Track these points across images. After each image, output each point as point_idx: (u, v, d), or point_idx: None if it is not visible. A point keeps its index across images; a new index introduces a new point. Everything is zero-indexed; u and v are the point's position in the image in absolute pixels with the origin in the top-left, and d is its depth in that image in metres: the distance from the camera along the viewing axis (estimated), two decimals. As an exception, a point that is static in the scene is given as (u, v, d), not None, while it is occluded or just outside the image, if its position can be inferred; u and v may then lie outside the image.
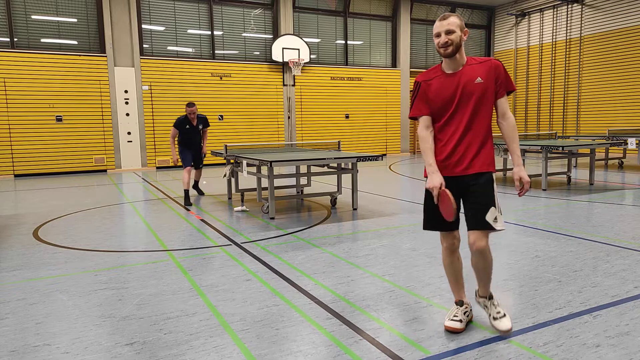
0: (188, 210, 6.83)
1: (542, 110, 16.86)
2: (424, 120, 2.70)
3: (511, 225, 5.46)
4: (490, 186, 2.63)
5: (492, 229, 2.58)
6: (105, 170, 12.61)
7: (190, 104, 7.41)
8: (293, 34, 14.37)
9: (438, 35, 2.58)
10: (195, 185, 8.17)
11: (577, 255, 4.20)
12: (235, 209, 6.75)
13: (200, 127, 7.61)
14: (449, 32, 2.55)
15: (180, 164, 7.38)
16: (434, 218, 2.74)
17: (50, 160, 12.01)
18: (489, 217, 2.58)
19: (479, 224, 2.60)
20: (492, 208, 2.58)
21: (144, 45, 12.94)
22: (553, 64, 16.35)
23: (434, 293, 3.36)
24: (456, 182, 2.66)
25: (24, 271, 4.07)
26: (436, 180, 2.60)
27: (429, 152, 2.67)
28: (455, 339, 2.63)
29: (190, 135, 7.50)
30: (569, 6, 15.63)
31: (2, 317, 3.09)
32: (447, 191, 2.56)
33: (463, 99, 2.58)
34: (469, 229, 2.66)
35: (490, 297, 2.81)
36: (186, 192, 7.30)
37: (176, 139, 7.54)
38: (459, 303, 2.83)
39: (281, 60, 14.11)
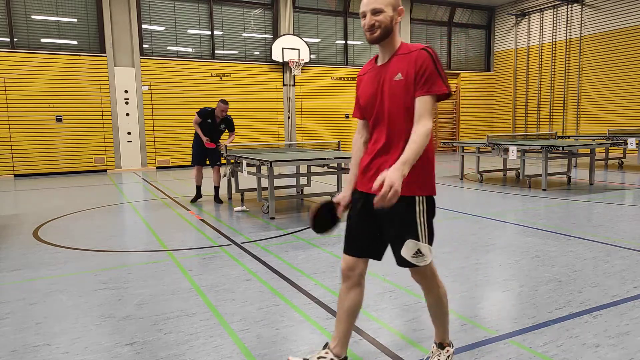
0: (194, 204, 6.84)
1: (542, 110, 16.86)
2: (358, 124, 2.32)
3: (511, 225, 5.46)
4: (409, 213, 2.06)
5: (413, 265, 2.07)
6: (105, 170, 12.61)
7: (224, 102, 7.22)
8: (293, 34, 14.37)
9: (363, 15, 2.07)
10: (216, 192, 7.50)
11: (577, 255, 4.20)
12: (235, 209, 6.75)
13: (222, 127, 7.39)
14: (375, 12, 2.02)
15: (208, 142, 7.32)
16: (347, 238, 2.27)
17: (50, 160, 12.01)
18: (406, 253, 2.04)
19: (399, 260, 2.11)
20: (410, 241, 2.04)
21: (144, 45, 12.94)
22: (553, 64, 16.35)
23: (434, 293, 3.36)
24: (370, 201, 2.06)
25: (24, 271, 4.07)
26: (341, 194, 2.26)
27: (352, 162, 2.32)
28: (456, 339, 2.63)
29: (208, 130, 7.31)
30: (569, 6, 15.63)
31: (2, 317, 3.09)
32: (327, 205, 2.20)
33: (384, 100, 2.09)
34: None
35: (441, 347, 2.34)
36: (197, 187, 7.47)
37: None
38: (325, 345, 2.36)
39: (281, 60, 14.11)
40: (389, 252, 2.23)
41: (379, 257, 2.27)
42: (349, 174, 2.33)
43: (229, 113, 7.47)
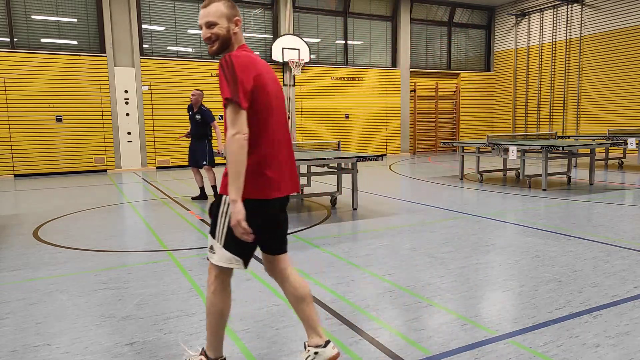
0: (194, 203, 6.85)
1: (542, 110, 16.86)
2: None
3: (511, 225, 5.46)
4: (217, 210, 2.10)
5: (208, 259, 2.18)
6: (105, 170, 12.61)
7: (197, 89, 7.42)
8: (293, 34, 14.36)
9: (200, 28, 2.10)
10: (215, 192, 7.51)
11: (577, 255, 4.20)
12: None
13: (198, 117, 7.31)
14: (210, 25, 2.04)
15: (182, 138, 7.69)
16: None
17: (50, 160, 12.01)
18: (208, 244, 2.17)
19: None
20: (209, 236, 2.16)
21: (144, 45, 12.94)
22: (553, 64, 16.35)
23: (434, 293, 3.36)
24: None
25: (24, 271, 4.07)
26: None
27: None
28: (456, 339, 2.63)
29: (190, 122, 7.47)
30: (569, 6, 15.63)
31: (2, 317, 3.09)
32: None
33: None
34: None
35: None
36: (200, 189, 7.58)
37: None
38: (304, 346, 2.34)
39: (281, 60, 14.11)
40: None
41: (270, 250, 2.29)
42: None
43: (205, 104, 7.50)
